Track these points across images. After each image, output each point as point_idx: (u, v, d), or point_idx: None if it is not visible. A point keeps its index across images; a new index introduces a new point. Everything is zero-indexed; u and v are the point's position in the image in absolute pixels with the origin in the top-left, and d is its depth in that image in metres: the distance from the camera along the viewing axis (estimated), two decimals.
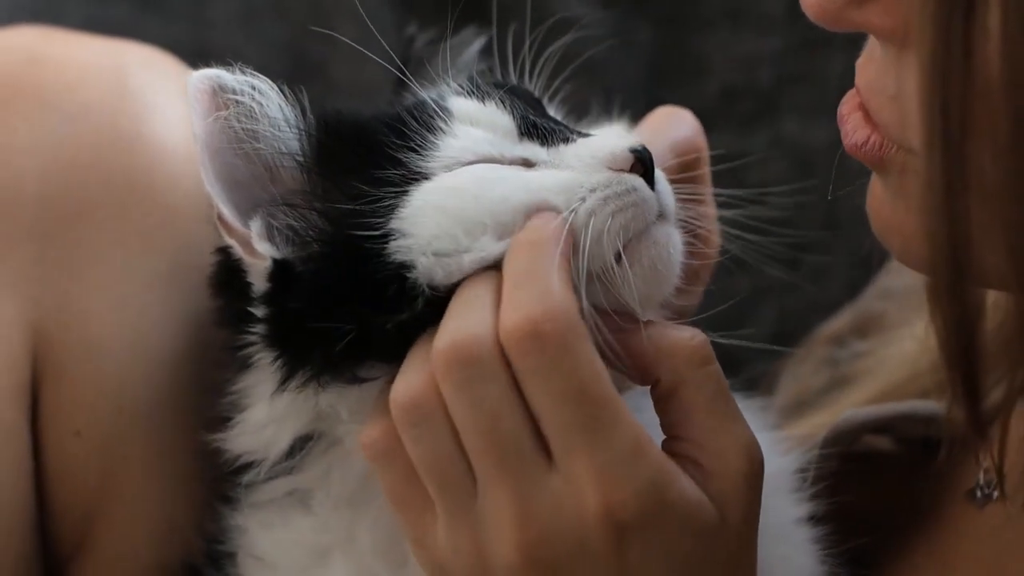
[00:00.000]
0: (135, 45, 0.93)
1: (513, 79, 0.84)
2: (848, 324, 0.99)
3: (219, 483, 0.83)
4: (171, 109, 0.90)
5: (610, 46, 1.24)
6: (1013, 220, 0.66)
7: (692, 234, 0.79)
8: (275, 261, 0.78)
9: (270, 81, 0.79)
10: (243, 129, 0.78)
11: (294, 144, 0.79)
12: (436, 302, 0.75)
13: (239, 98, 0.77)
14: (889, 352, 0.91)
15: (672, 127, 0.84)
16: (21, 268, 0.86)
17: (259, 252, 0.78)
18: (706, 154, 0.84)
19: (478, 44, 0.87)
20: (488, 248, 0.75)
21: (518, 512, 0.72)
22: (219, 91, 0.77)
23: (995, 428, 0.73)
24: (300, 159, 0.79)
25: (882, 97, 0.72)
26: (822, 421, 0.91)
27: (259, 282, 0.79)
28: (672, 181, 0.79)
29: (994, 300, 0.74)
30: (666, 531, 0.71)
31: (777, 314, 1.17)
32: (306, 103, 0.79)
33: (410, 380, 0.74)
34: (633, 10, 1.28)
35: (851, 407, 0.90)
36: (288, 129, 0.79)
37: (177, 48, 1.26)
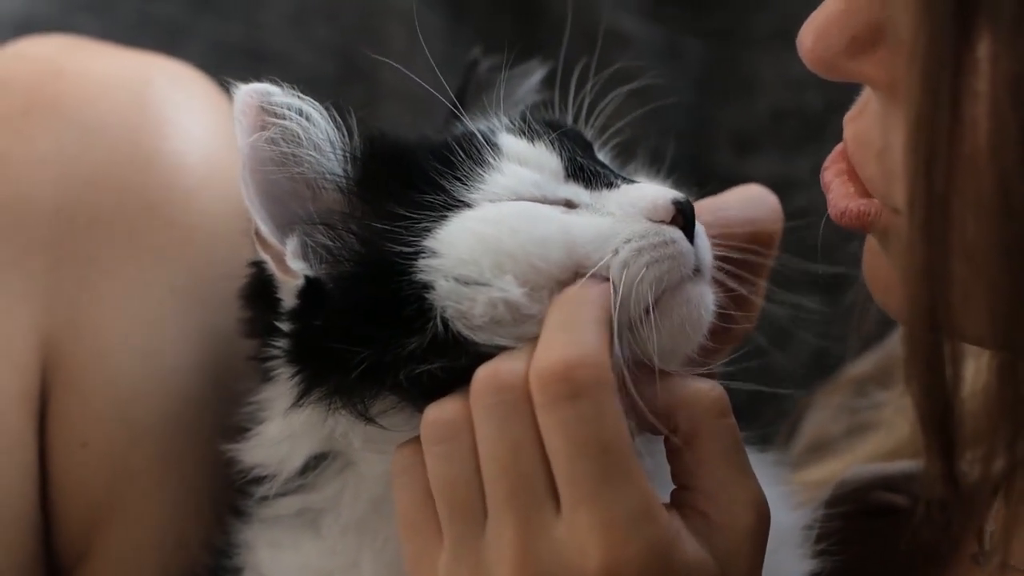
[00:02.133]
0: (163, 60, 0.93)
1: (569, 115, 0.83)
2: (872, 369, 0.98)
3: (231, 494, 0.83)
4: (192, 126, 0.89)
5: (660, 63, 1.22)
6: (995, 282, 0.65)
7: (729, 300, 0.78)
8: (307, 279, 0.78)
9: (317, 104, 0.78)
10: (287, 149, 0.77)
11: (337, 167, 0.78)
12: (442, 344, 0.75)
13: (286, 118, 0.77)
14: (906, 404, 0.89)
15: (756, 206, 0.82)
16: (34, 277, 0.86)
17: (292, 270, 0.78)
18: (777, 241, 0.82)
19: (538, 76, 0.87)
20: (507, 290, 0.75)
21: (519, 550, 0.71)
22: (267, 108, 0.77)
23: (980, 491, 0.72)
24: (342, 181, 0.78)
25: (869, 151, 0.71)
26: (838, 468, 0.90)
27: (288, 298, 0.79)
28: (732, 259, 0.78)
29: (986, 362, 0.72)
30: None
31: (815, 344, 1.16)
32: (354, 124, 0.79)
33: (446, 401, 0.74)
34: (684, 27, 1.27)
35: (866, 457, 0.88)
36: (333, 152, 0.78)
37: (228, 48, 1.27)
